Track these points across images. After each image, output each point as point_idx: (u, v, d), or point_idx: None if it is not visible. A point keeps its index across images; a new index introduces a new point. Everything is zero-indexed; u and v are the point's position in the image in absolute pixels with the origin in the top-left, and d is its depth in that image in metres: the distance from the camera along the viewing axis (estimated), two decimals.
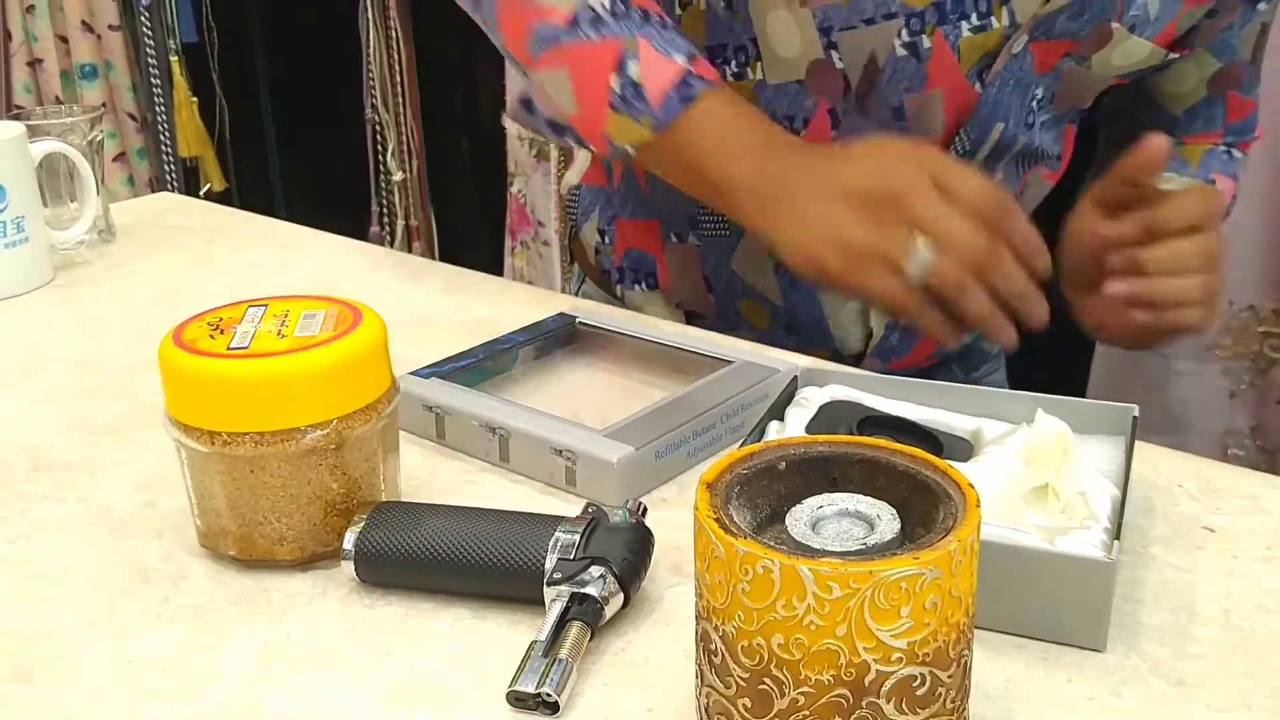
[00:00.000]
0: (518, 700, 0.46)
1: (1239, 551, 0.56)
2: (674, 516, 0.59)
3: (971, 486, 0.41)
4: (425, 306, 0.90)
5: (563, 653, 0.47)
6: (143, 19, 2.44)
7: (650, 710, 0.46)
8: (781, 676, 0.38)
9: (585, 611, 0.49)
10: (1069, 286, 0.84)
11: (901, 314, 0.70)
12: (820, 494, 0.43)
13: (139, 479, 0.65)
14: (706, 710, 0.42)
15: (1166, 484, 0.62)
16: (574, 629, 0.48)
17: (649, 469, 0.62)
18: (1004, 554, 0.49)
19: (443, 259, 1.03)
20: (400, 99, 2.41)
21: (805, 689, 0.38)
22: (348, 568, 0.53)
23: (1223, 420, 1.56)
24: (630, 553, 0.51)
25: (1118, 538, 0.50)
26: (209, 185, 2.53)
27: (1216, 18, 0.87)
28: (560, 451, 0.62)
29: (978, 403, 0.62)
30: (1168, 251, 0.78)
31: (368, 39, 2.37)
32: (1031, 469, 0.56)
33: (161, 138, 2.52)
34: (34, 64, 2.43)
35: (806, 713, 0.39)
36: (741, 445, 0.48)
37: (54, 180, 1.03)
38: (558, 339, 0.78)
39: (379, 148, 2.48)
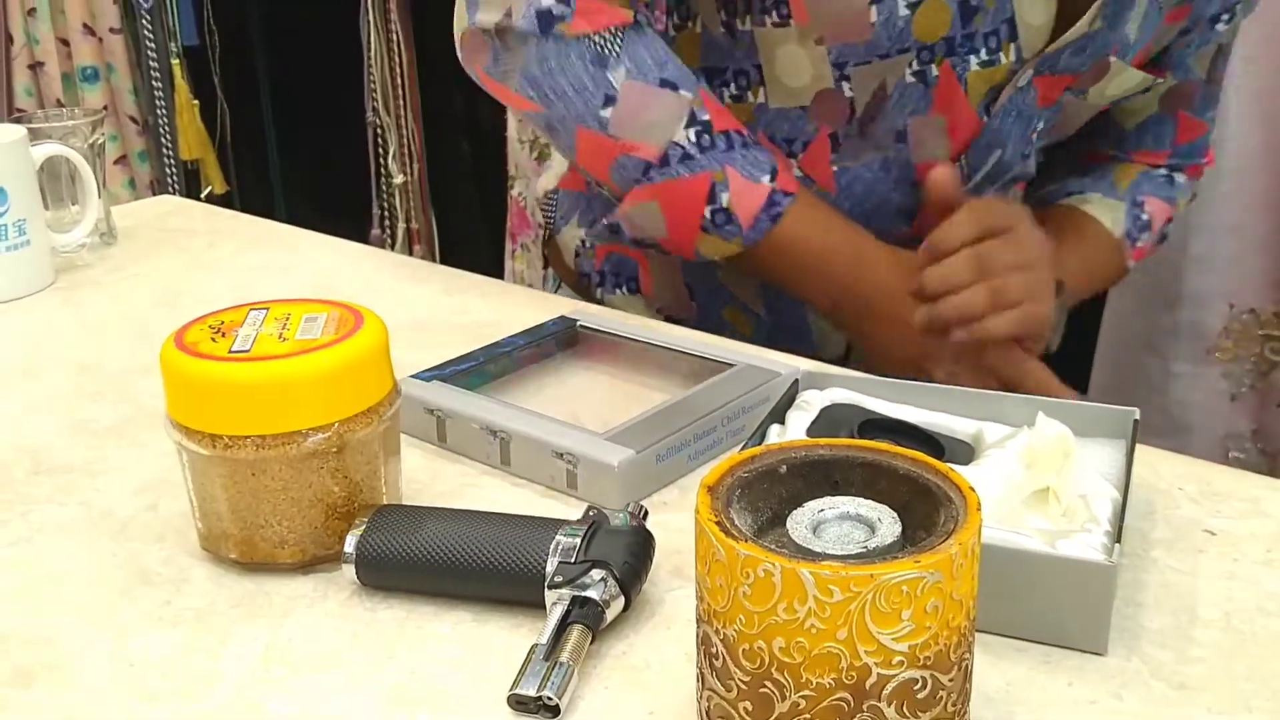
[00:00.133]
0: (519, 704, 0.46)
1: (1240, 554, 0.56)
2: (675, 520, 0.59)
3: (972, 490, 0.41)
4: (426, 309, 0.90)
5: (564, 656, 0.47)
6: (144, 22, 2.44)
7: (651, 713, 0.46)
8: (783, 680, 0.38)
9: (586, 615, 0.49)
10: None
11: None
12: (821, 497, 0.43)
13: (140, 482, 0.65)
14: (708, 713, 0.42)
15: (1167, 487, 0.62)
16: (575, 632, 0.48)
17: (650, 472, 0.62)
18: (1005, 557, 0.49)
19: (443, 262, 1.03)
20: (401, 102, 2.41)
21: (806, 692, 0.38)
22: (349, 571, 0.53)
23: (1223, 423, 1.56)
24: (631, 556, 0.51)
25: (1118, 541, 0.50)
26: (210, 188, 2.53)
27: (1189, 35, 0.89)
28: (561, 455, 0.62)
29: (979, 406, 0.62)
30: (942, 269, 0.78)
31: (369, 42, 2.37)
32: (1032, 472, 0.56)
33: (163, 140, 2.52)
34: (35, 67, 2.43)
35: (808, 716, 0.39)
36: (742, 448, 0.48)
37: (55, 183, 1.04)
38: (559, 342, 0.78)
39: (380, 151, 2.48)
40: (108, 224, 1.06)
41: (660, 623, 0.52)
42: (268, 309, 0.58)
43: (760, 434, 0.60)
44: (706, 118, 0.81)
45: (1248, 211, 1.47)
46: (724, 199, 0.81)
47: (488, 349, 0.75)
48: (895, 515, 0.41)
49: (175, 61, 2.45)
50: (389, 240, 2.52)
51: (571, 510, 0.59)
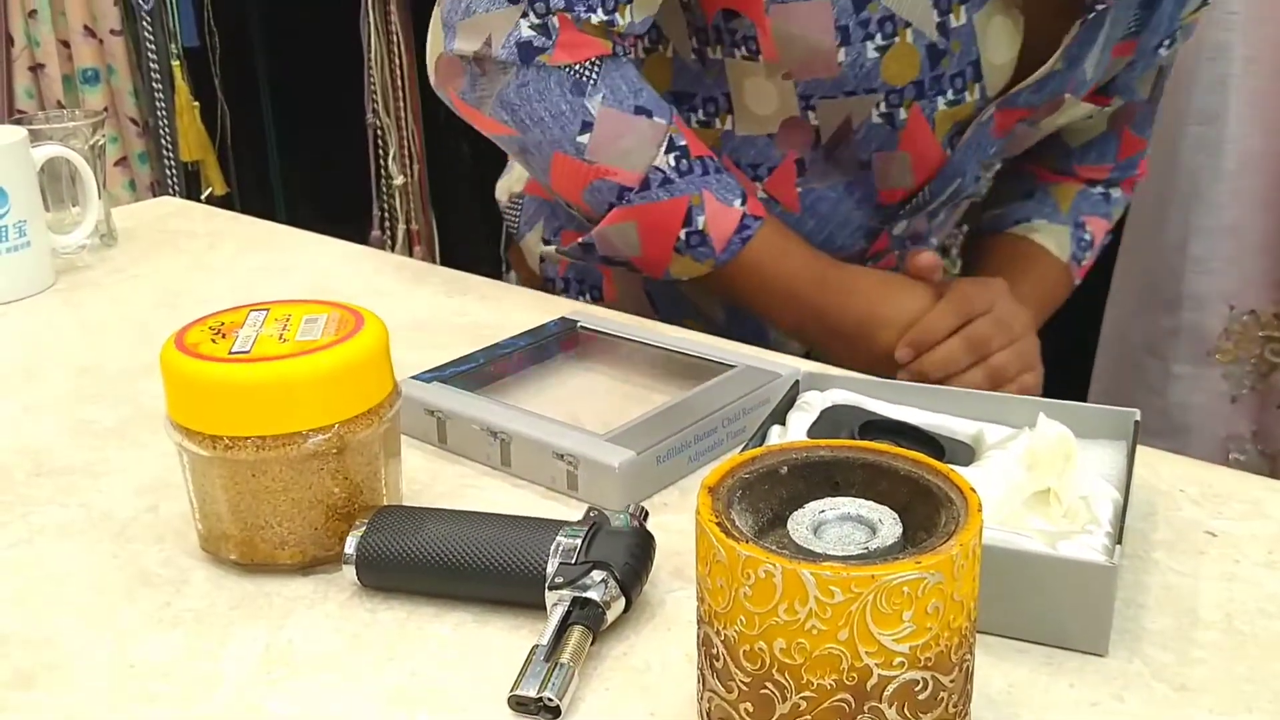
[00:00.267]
0: (519, 705, 0.46)
1: (1241, 556, 0.56)
2: (675, 521, 0.59)
3: (973, 491, 0.41)
4: (426, 310, 0.90)
5: (564, 657, 0.47)
6: (144, 24, 2.44)
7: (652, 715, 0.46)
8: (783, 681, 0.38)
9: (587, 616, 0.49)
10: None
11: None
12: (822, 498, 0.43)
13: (140, 483, 0.65)
14: (708, 715, 0.42)
15: (1168, 488, 0.61)
16: (575, 633, 0.48)
17: (650, 473, 0.62)
18: (1006, 558, 0.49)
19: (444, 263, 1.03)
20: (401, 103, 2.41)
21: (807, 693, 0.38)
22: (349, 572, 0.53)
23: (1224, 425, 1.56)
24: (632, 557, 0.51)
25: (1119, 542, 0.50)
26: (210, 189, 2.52)
27: (1134, 63, 0.94)
28: (562, 456, 0.62)
29: (980, 407, 0.62)
30: (940, 356, 0.84)
31: (369, 43, 2.37)
32: (1033, 473, 0.56)
33: (163, 142, 2.52)
34: (36, 69, 2.43)
35: (809, 717, 0.39)
36: (743, 450, 0.48)
37: (56, 185, 1.03)
38: (559, 343, 0.78)
39: (380, 152, 2.48)
40: (108, 225, 1.06)
41: (661, 624, 0.52)
42: (268, 310, 0.58)
43: (761, 435, 0.60)
44: (684, 143, 0.84)
45: (1248, 213, 1.47)
46: (700, 222, 0.84)
47: (488, 350, 0.75)
48: (896, 516, 0.41)
49: (175, 63, 2.45)
50: (389, 241, 2.52)
51: (572, 511, 0.58)
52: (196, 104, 2.48)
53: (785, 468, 0.44)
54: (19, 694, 0.48)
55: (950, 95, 0.86)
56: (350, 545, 0.53)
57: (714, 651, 0.40)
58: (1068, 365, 1.63)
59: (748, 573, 0.38)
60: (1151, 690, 0.47)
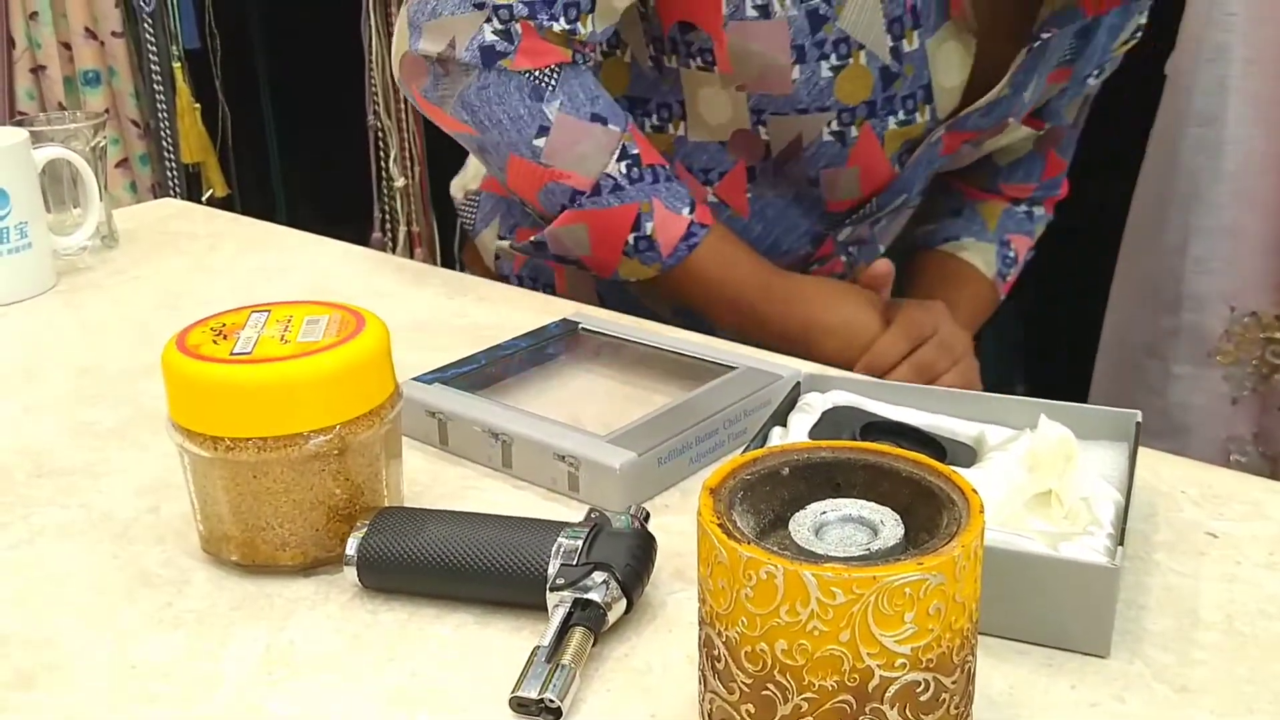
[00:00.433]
0: (520, 706, 0.46)
1: (1241, 557, 0.56)
2: (677, 522, 0.59)
3: (975, 492, 0.41)
4: (427, 312, 0.90)
5: (565, 658, 0.47)
6: (145, 25, 2.44)
7: (653, 716, 0.46)
8: (785, 682, 0.38)
9: (588, 617, 0.49)
10: None
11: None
12: (824, 499, 0.43)
13: (141, 484, 0.65)
14: (710, 716, 0.42)
15: (1169, 490, 0.61)
16: (577, 634, 0.48)
17: (652, 475, 0.62)
18: (1007, 560, 0.49)
19: (444, 265, 1.03)
20: (403, 105, 2.41)
21: (809, 695, 0.38)
22: (350, 573, 0.53)
23: (1225, 426, 1.56)
24: (633, 558, 0.51)
25: (1121, 543, 0.50)
26: (211, 191, 2.53)
27: (1066, 90, 0.99)
28: (563, 457, 0.62)
29: (981, 408, 0.62)
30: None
31: (370, 45, 2.38)
32: (1035, 475, 0.56)
33: (164, 144, 2.52)
34: (37, 70, 2.43)
35: (810, 718, 0.39)
36: (744, 451, 0.48)
37: (57, 186, 1.04)
38: (560, 344, 0.78)
39: (381, 154, 2.48)
40: (109, 227, 1.06)
41: (662, 625, 0.52)
42: (269, 311, 0.58)
43: (762, 436, 0.60)
44: (636, 152, 0.86)
45: (1248, 214, 1.47)
46: (648, 228, 0.87)
47: (489, 351, 0.75)
48: (898, 518, 0.41)
49: (176, 65, 2.45)
50: (390, 243, 2.52)
51: (573, 513, 0.58)
52: (198, 106, 2.48)
53: (787, 469, 0.44)
54: (19, 694, 0.48)
55: (901, 115, 0.90)
56: (351, 546, 0.53)
57: (715, 653, 0.40)
58: (1068, 366, 1.63)
59: (749, 574, 0.38)
60: (1152, 691, 0.47)
